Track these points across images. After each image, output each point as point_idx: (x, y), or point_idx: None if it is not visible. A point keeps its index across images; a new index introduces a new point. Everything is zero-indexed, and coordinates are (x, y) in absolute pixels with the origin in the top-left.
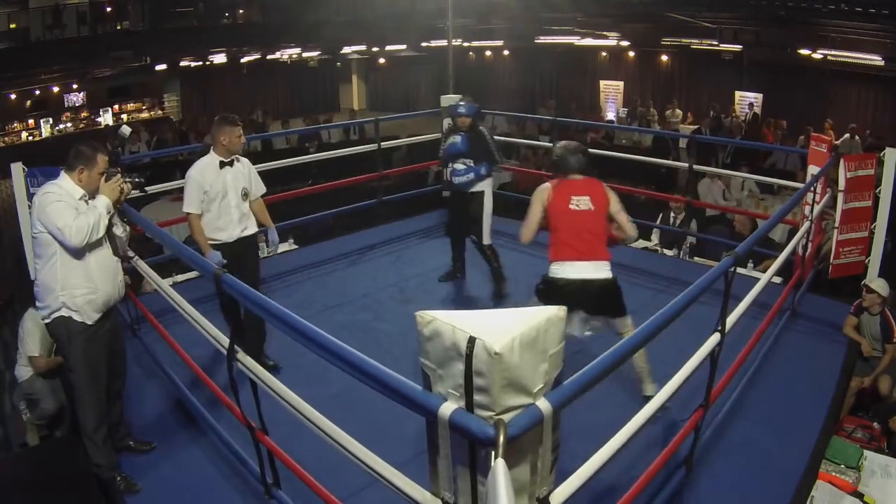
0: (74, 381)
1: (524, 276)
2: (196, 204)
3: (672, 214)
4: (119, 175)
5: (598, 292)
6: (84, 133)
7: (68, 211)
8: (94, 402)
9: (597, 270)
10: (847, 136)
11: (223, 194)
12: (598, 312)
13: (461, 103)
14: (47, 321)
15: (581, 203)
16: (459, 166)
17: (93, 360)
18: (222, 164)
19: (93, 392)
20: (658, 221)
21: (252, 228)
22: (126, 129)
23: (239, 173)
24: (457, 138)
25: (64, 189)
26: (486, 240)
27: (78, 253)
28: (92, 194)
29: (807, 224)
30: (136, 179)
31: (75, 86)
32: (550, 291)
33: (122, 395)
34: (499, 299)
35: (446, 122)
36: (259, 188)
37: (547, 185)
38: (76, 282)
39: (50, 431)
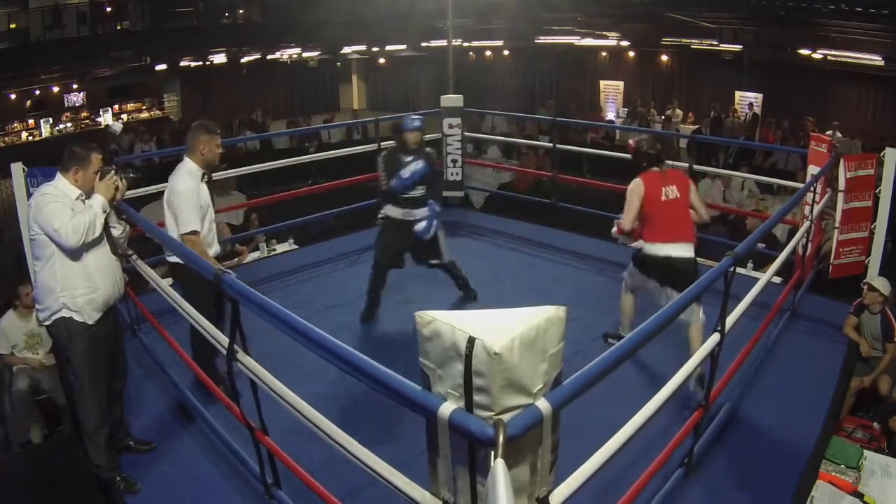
0: (76, 382)
1: (523, 275)
2: (198, 220)
3: None
4: (113, 173)
5: (678, 268)
6: (84, 133)
7: (64, 211)
8: (96, 402)
9: (681, 250)
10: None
11: (209, 206)
12: (674, 287)
13: (415, 116)
14: (47, 323)
15: (670, 193)
16: (420, 218)
17: (95, 360)
18: (203, 176)
19: (95, 392)
20: None
21: None
22: (117, 126)
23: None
24: (418, 164)
25: (60, 190)
26: (448, 256)
27: (76, 253)
28: (88, 194)
29: (807, 224)
30: (131, 175)
31: (75, 86)
32: (644, 263)
33: (122, 395)
34: (472, 302)
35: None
36: None
37: (639, 180)
38: (76, 282)
39: (50, 430)
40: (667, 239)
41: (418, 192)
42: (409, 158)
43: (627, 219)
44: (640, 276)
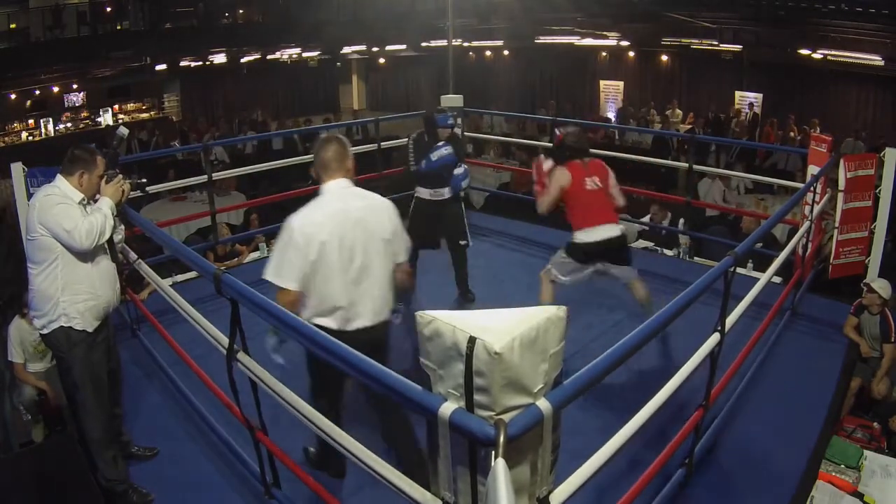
0: (77, 395)
1: (523, 275)
2: None
3: (670, 214)
4: (120, 176)
5: (615, 245)
6: (84, 133)
7: (74, 211)
8: (99, 411)
9: (613, 230)
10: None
11: None
12: (613, 261)
13: (449, 115)
14: (45, 332)
15: (592, 183)
16: (457, 170)
17: (95, 369)
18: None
19: (97, 402)
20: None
21: None
22: (124, 130)
23: None
24: (448, 149)
25: (63, 192)
26: (470, 241)
27: (82, 257)
28: (90, 199)
29: (807, 224)
30: (137, 180)
31: (75, 86)
32: (580, 251)
33: (120, 402)
34: (470, 303)
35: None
36: None
37: (565, 170)
38: (79, 287)
39: (50, 430)
40: (597, 222)
41: (444, 173)
42: (440, 143)
43: (545, 205)
44: (576, 264)
